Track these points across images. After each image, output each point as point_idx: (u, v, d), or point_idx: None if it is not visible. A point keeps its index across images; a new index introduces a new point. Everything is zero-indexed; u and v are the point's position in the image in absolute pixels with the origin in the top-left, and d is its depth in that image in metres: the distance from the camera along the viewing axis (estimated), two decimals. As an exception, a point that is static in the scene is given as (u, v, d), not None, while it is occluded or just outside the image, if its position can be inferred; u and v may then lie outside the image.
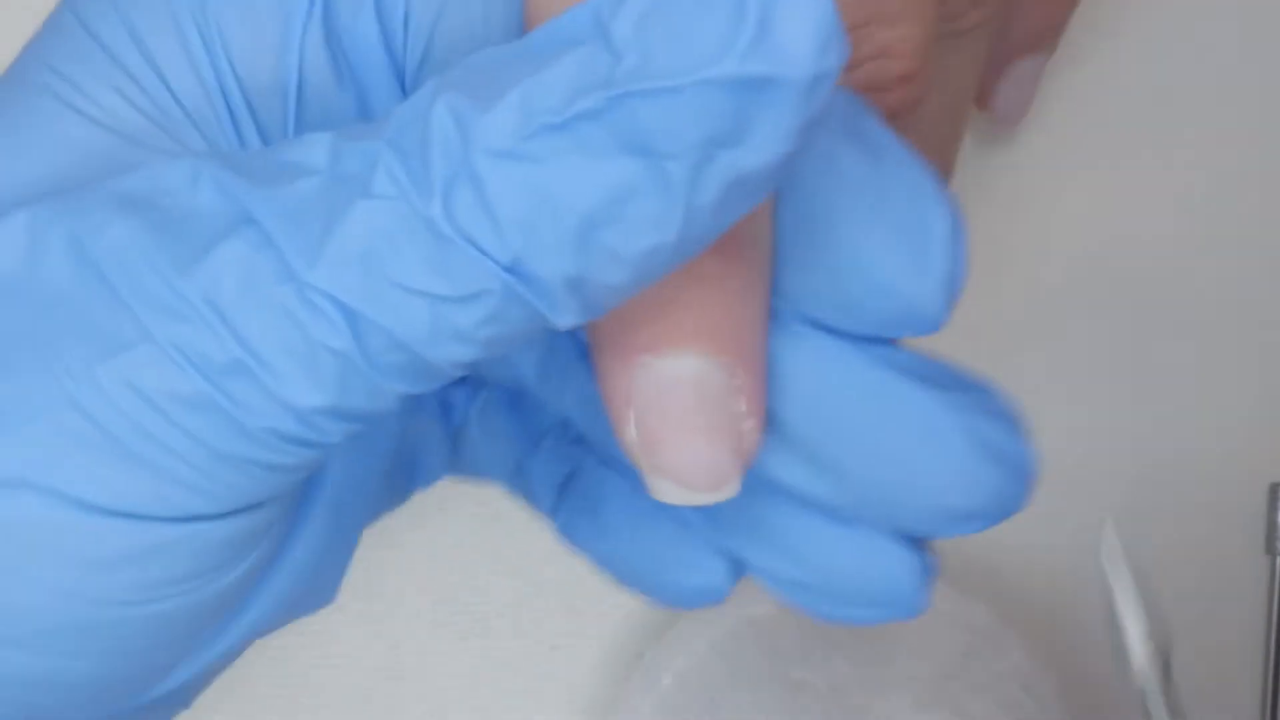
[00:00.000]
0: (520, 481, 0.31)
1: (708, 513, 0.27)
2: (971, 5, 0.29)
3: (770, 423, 0.23)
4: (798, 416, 0.23)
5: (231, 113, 0.23)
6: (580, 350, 0.27)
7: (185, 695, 0.28)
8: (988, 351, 0.45)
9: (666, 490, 0.22)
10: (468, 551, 0.45)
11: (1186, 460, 0.46)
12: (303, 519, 0.27)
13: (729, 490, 0.22)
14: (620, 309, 0.21)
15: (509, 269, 0.19)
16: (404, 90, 0.24)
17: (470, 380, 0.31)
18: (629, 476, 0.28)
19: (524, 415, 0.31)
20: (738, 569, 0.28)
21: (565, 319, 0.20)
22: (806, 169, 0.22)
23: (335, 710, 0.45)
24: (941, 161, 0.31)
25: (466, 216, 0.19)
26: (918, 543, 0.25)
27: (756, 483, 0.24)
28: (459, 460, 0.32)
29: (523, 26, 0.24)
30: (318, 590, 0.29)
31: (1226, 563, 0.45)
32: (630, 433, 0.22)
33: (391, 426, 0.29)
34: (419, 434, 0.31)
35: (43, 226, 0.21)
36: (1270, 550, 0.44)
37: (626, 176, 0.19)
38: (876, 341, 0.24)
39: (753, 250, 0.22)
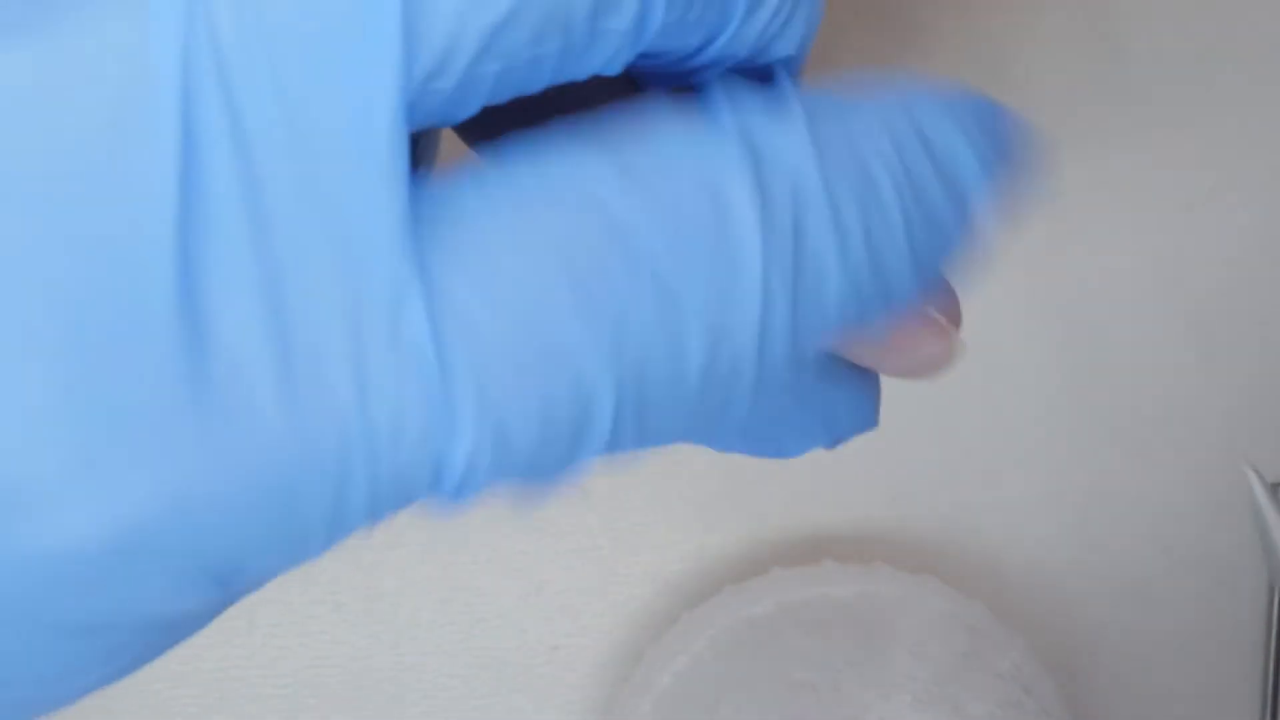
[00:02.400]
0: None
1: None
2: None
3: None
4: None
5: None
6: None
7: None
8: (984, 351, 0.46)
9: None
10: (468, 551, 0.45)
11: (1187, 460, 0.46)
12: None
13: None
14: None
15: None
16: None
17: None
18: None
19: None
20: None
21: None
22: None
23: (335, 710, 0.45)
24: None
25: None
26: None
27: None
28: None
29: None
30: None
31: (1226, 563, 0.45)
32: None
33: None
34: None
35: None
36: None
37: None
38: None
39: None
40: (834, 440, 0.27)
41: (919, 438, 0.46)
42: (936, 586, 0.42)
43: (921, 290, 0.22)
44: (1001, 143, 0.22)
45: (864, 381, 0.27)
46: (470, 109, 0.19)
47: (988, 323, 0.46)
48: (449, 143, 0.25)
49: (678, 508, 0.46)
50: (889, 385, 0.46)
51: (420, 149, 0.25)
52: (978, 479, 0.46)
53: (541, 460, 0.19)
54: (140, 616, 0.19)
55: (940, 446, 0.46)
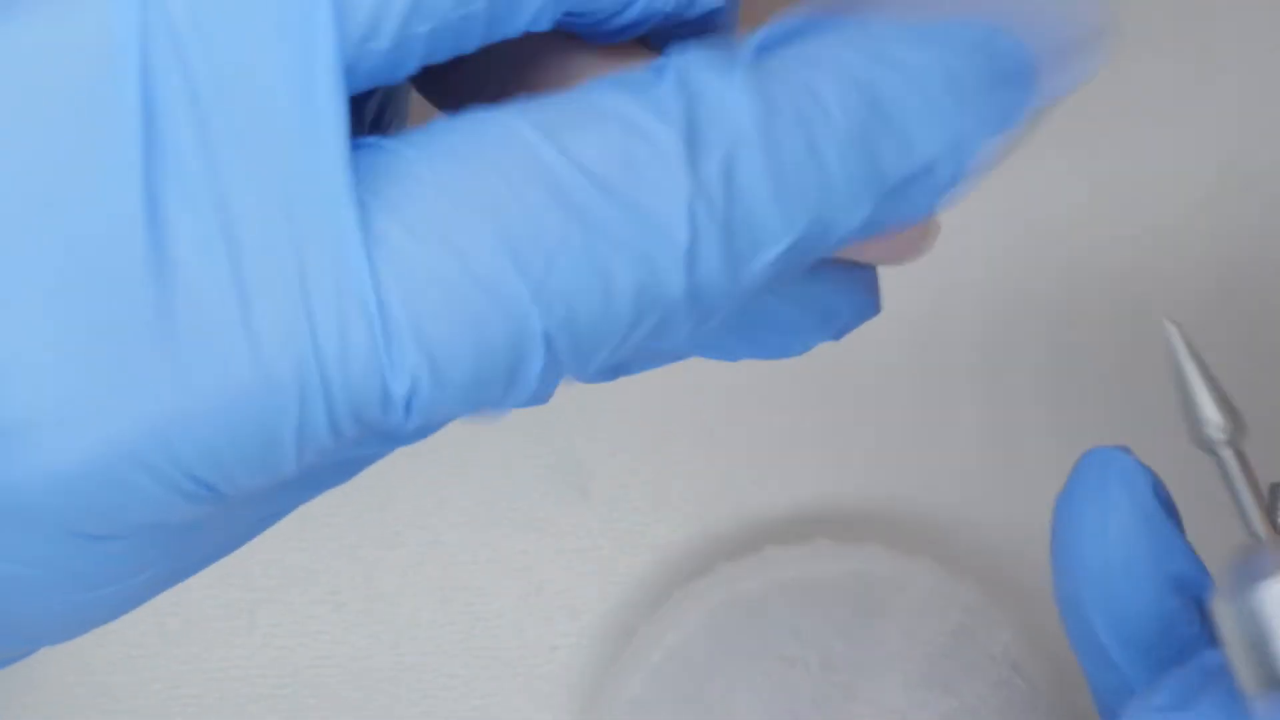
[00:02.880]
0: None
1: None
2: None
3: None
4: None
5: None
6: None
7: None
8: (984, 348, 0.46)
9: None
10: (468, 551, 0.46)
11: (1186, 460, 0.45)
12: None
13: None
14: None
15: None
16: None
17: None
18: None
19: None
20: None
21: None
22: None
23: (335, 710, 0.45)
24: None
25: None
26: None
27: None
28: None
29: None
30: None
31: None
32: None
33: None
34: None
35: None
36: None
37: None
38: None
39: None
40: (837, 332, 0.29)
41: (914, 420, 0.46)
42: (929, 566, 0.42)
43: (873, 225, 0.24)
44: (998, 74, 0.23)
45: (856, 273, 0.28)
46: (409, 67, 0.22)
47: (981, 308, 0.46)
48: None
49: (678, 507, 0.46)
50: (889, 363, 0.46)
51: (389, 112, 0.27)
52: (972, 460, 0.46)
53: (485, 386, 0.22)
54: (147, 522, 0.22)
55: (934, 428, 0.46)
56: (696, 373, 0.46)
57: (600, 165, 0.21)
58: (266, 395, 0.21)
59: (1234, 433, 0.25)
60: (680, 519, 0.46)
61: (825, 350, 0.45)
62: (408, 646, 0.45)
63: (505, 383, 0.22)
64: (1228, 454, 0.25)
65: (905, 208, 0.23)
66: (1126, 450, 0.31)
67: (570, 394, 0.45)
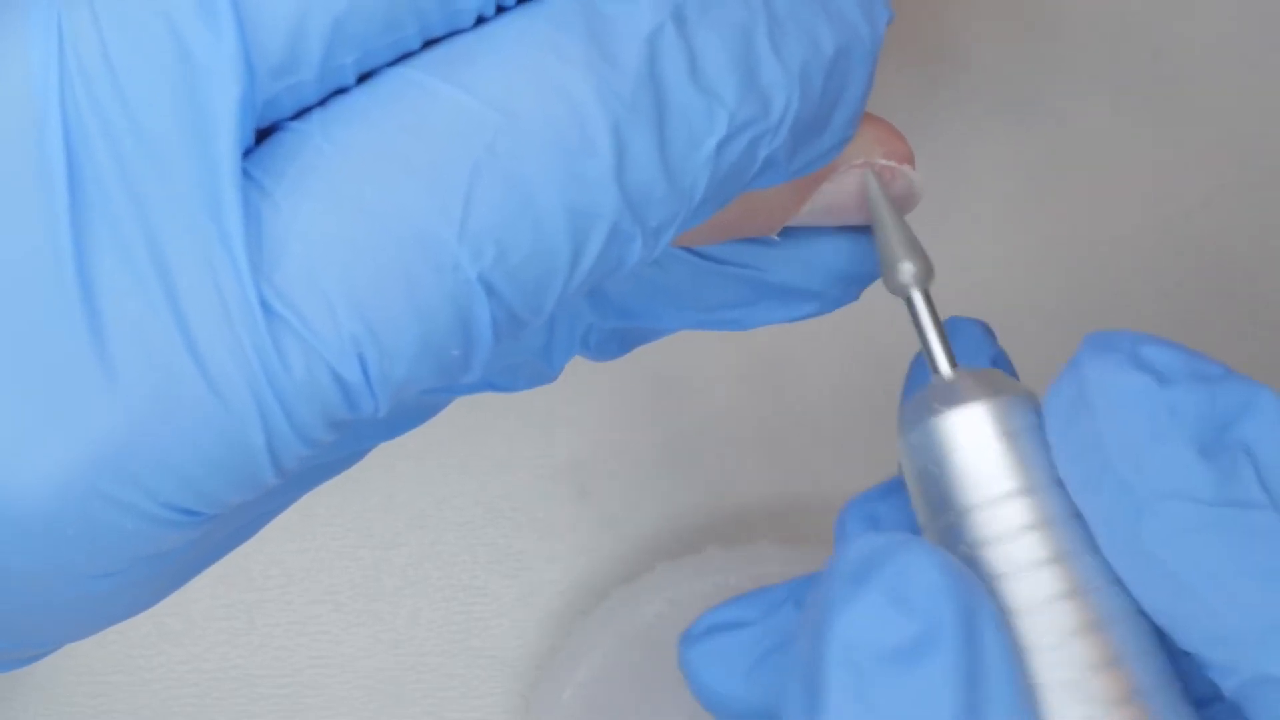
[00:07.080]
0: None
1: None
2: None
3: None
4: None
5: None
6: None
7: None
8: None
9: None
10: (468, 551, 0.46)
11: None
12: None
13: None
14: None
15: None
16: None
17: None
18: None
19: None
20: None
21: None
22: None
23: (335, 710, 0.45)
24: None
25: None
26: None
27: None
28: None
29: None
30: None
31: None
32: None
33: None
34: None
35: None
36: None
37: None
38: None
39: None
40: (852, 291, 0.29)
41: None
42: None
43: (834, 130, 0.23)
44: None
45: (855, 234, 0.28)
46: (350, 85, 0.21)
47: (999, 319, 0.46)
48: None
49: (679, 506, 0.46)
50: (886, 364, 0.46)
51: None
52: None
53: (439, 347, 0.21)
54: (143, 555, 0.22)
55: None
56: (698, 371, 0.46)
57: (502, 89, 0.21)
58: (225, 414, 0.20)
59: (923, 277, 0.26)
60: (681, 517, 0.46)
61: (839, 344, 0.45)
62: (408, 646, 0.45)
63: (462, 341, 0.21)
64: (917, 296, 0.26)
65: (839, 85, 0.23)
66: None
67: (571, 394, 0.45)
